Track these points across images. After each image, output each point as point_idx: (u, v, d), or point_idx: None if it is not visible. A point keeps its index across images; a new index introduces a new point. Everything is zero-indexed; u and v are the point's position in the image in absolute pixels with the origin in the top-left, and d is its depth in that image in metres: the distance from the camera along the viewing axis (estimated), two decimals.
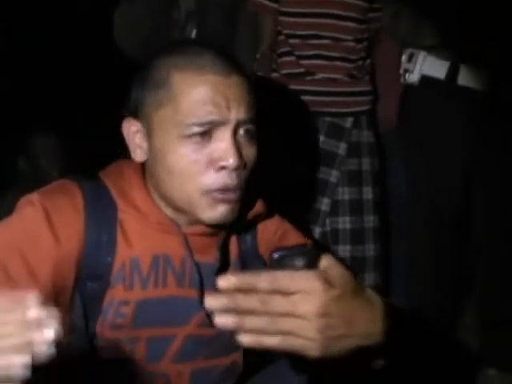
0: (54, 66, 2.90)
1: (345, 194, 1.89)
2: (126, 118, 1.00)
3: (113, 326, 0.97)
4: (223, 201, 0.94)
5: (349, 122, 1.91)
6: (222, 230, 1.02)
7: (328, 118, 1.88)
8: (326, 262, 0.75)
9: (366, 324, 0.76)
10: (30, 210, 0.94)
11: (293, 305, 0.71)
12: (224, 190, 0.93)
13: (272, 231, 1.11)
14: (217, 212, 0.95)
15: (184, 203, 0.96)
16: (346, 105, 1.90)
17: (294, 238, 1.13)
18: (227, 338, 1.04)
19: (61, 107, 2.85)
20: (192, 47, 0.98)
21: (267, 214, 1.10)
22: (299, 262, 0.75)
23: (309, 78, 1.89)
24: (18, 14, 2.81)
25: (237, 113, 0.93)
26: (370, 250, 1.90)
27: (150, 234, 0.98)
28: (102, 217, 0.96)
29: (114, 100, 1.14)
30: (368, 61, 1.98)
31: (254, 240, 1.10)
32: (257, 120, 0.97)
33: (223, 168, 0.93)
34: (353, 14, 1.88)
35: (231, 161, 0.92)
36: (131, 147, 1.00)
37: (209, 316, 0.98)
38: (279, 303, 0.70)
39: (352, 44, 1.89)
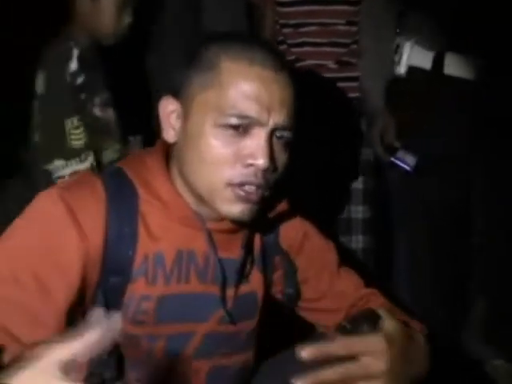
0: None
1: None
2: (164, 97, 0.97)
3: (133, 321, 0.95)
4: (244, 198, 0.91)
5: None
6: (245, 227, 1.01)
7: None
8: (385, 321, 0.86)
9: (419, 365, 0.91)
10: (51, 206, 0.90)
11: (366, 368, 0.81)
12: (247, 186, 0.91)
13: (295, 230, 1.11)
14: (236, 208, 0.92)
15: (206, 192, 0.93)
16: (336, 91, 1.87)
17: (317, 238, 1.14)
18: (245, 335, 1.05)
19: None
20: (243, 38, 0.97)
21: (290, 213, 1.09)
22: (364, 327, 0.87)
23: (298, 65, 1.87)
24: None
25: (277, 116, 0.90)
26: (359, 241, 1.87)
27: (174, 228, 0.96)
28: (123, 208, 0.93)
29: None
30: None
31: (276, 237, 1.10)
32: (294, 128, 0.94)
33: (251, 165, 0.90)
34: None
35: (261, 161, 0.89)
36: (165, 126, 0.97)
37: (228, 312, 1.00)
38: (355, 369, 0.81)
39: (344, 28, 1.86)
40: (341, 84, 1.90)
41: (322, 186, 1.82)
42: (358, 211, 1.88)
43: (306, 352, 0.76)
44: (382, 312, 0.89)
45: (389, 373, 0.82)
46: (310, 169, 1.78)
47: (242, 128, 0.90)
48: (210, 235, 0.97)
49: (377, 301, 1.13)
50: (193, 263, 0.98)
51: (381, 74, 1.91)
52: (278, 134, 0.92)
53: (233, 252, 1.01)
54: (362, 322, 0.88)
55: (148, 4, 1.93)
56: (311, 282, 1.13)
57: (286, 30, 1.89)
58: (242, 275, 1.03)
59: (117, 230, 0.92)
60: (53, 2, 1.79)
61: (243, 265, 1.03)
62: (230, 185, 0.91)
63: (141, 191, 0.95)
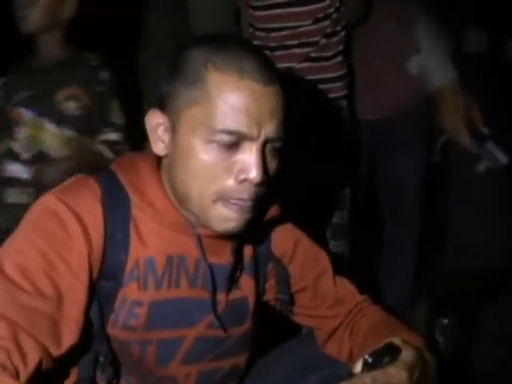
0: None
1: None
2: (151, 109, 0.95)
3: (125, 327, 0.95)
4: (235, 212, 0.91)
5: None
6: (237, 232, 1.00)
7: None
8: (403, 352, 0.94)
9: (433, 375, 1.00)
10: (54, 208, 0.89)
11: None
12: (240, 201, 0.90)
13: (287, 237, 1.12)
14: (228, 224, 0.92)
15: (197, 208, 0.93)
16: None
17: (309, 246, 1.14)
18: (235, 339, 1.06)
19: None
20: (231, 45, 0.91)
21: (282, 220, 1.09)
22: (386, 359, 0.92)
23: None
24: None
25: (268, 129, 0.89)
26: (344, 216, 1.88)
27: (165, 234, 0.96)
28: (117, 212, 0.93)
29: None
30: (341, 33, 1.86)
31: (268, 241, 1.10)
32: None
33: (245, 180, 0.89)
34: None
35: (255, 175, 0.88)
36: (152, 139, 0.96)
37: (218, 317, 1.00)
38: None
39: (312, 27, 1.81)
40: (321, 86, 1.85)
41: (309, 191, 1.81)
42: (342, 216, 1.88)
43: None
44: (399, 343, 0.96)
45: None
46: (299, 175, 1.74)
47: (233, 143, 0.88)
48: (200, 241, 0.97)
49: (369, 307, 1.14)
50: (183, 268, 0.98)
51: (441, 48, 1.85)
52: (269, 145, 0.90)
53: (223, 257, 1.01)
54: (383, 354, 0.93)
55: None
56: (308, 290, 1.13)
57: (259, 34, 1.86)
58: (232, 281, 1.03)
59: (112, 235, 0.92)
60: None
61: (233, 270, 1.03)
62: (221, 200, 0.90)
63: (133, 197, 0.94)
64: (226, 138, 0.87)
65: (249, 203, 0.91)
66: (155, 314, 0.96)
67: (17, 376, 0.77)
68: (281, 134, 0.91)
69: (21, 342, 0.79)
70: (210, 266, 0.99)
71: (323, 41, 1.82)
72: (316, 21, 1.80)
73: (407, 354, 0.93)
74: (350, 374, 0.92)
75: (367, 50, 2.08)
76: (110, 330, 0.95)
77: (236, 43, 0.93)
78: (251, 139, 0.88)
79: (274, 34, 1.82)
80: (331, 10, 1.82)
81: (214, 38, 0.93)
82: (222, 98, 0.87)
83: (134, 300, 0.95)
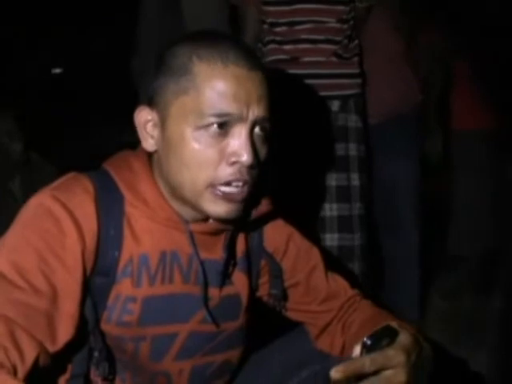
0: None
1: (332, 180, 1.84)
2: (139, 107, 0.97)
3: (119, 323, 0.96)
4: (230, 196, 0.92)
5: (335, 105, 1.87)
6: (228, 228, 1.01)
7: (317, 101, 1.83)
8: (401, 335, 0.93)
9: (430, 362, 0.99)
10: (48, 205, 0.89)
11: (388, 381, 0.88)
12: (234, 184, 0.92)
13: (279, 233, 1.12)
14: (222, 208, 0.93)
15: (191, 196, 0.94)
16: (332, 87, 1.86)
17: (300, 242, 1.15)
18: (228, 335, 1.06)
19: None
20: (215, 38, 0.95)
21: (274, 216, 1.10)
22: (385, 341, 0.92)
23: (294, 62, 1.86)
24: None
25: (256, 110, 0.91)
26: (357, 238, 1.86)
27: (158, 230, 0.97)
28: (110, 209, 0.94)
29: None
30: (355, 41, 1.94)
31: (260, 237, 1.10)
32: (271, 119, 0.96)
33: (236, 163, 0.91)
34: None
35: (246, 157, 0.90)
36: (142, 136, 0.97)
37: (210, 313, 1.00)
38: (379, 383, 0.88)
39: (337, 25, 1.87)
40: (346, 81, 1.89)
41: (299, 183, 1.81)
42: (356, 208, 1.87)
43: (338, 373, 0.84)
44: (397, 326, 0.96)
45: (409, 381, 0.90)
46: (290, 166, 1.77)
47: (223, 127, 0.90)
48: (192, 237, 0.98)
49: (361, 301, 1.14)
50: (176, 264, 0.99)
51: None
52: (258, 127, 0.93)
53: (215, 253, 1.02)
54: (381, 337, 0.93)
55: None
56: (301, 285, 1.13)
57: (277, 29, 1.87)
58: (224, 276, 1.04)
59: (105, 231, 0.93)
60: None
61: (226, 266, 1.03)
62: (215, 185, 0.91)
63: (126, 194, 0.95)
64: (217, 121, 0.90)
65: (243, 185, 0.92)
66: (148, 309, 0.96)
67: (15, 373, 0.77)
68: (269, 114, 0.93)
69: (17, 339, 0.79)
70: (203, 262, 0.99)
71: (345, 41, 1.89)
72: (339, 21, 1.86)
73: (404, 337, 0.93)
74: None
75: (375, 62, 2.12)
76: (104, 326, 0.95)
77: (220, 36, 0.97)
78: (241, 120, 0.90)
79: (298, 27, 1.85)
80: (350, 16, 1.90)
81: (199, 34, 0.98)
82: (210, 85, 0.90)
83: (127, 296, 0.95)
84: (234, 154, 0.91)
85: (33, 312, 0.82)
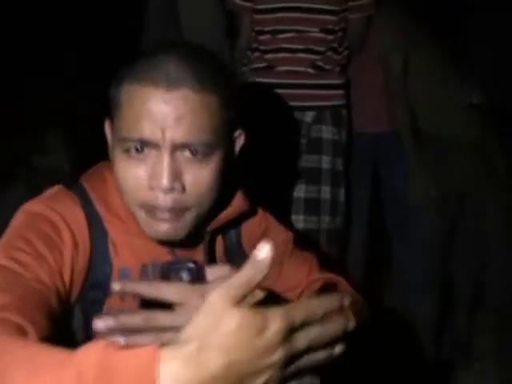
0: None
1: (301, 191, 1.80)
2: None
3: None
4: (159, 219, 0.90)
5: (309, 116, 1.83)
6: (205, 233, 0.99)
7: (289, 112, 1.81)
8: (212, 277, 0.80)
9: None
10: (42, 211, 0.90)
11: (172, 319, 0.74)
12: (158, 210, 0.89)
13: (255, 224, 1.09)
14: (157, 231, 0.91)
15: (133, 213, 0.93)
16: (307, 98, 1.83)
17: (275, 232, 1.10)
18: None
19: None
20: (155, 53, 0.89)
21: (251, 211, 1.07)
22: (185, 275, 0.81)
23: (271, 71, 1.86)
24: None
25: (173, 134, 0.85)
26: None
27: (136, 243, 0.95)
28: (95, 225, 0.93)
29: None
30: (344, 53, 1.91)
31: (238, 235, 1.08)
32: (216, 141, 0.89)
33: (156, 187, 0.88)
34: (319, 6, 1.82)
35: (162, 181, 0.86)
36: (108, 146, 0.97)
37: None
38: (161, 318, 0.74)
39: (319, 35, 1.84)
40: (322, 92, 1.85)
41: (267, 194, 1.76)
42: (324, 221, 1.81)
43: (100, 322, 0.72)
44: (215, 270, 0.82)
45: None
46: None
47: (142, 150, 0.87)
48: (171, 247, 0.97)
49: (323, 282, 1.06)
50: (158, 274, 0.96)
51: None
52: (184, 151, 0.87)
53: (195, 258, 0.98)
54: (182, 269, 0.83)
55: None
56: (270, 280, 1.08)
57: (261, 37, 1.88)
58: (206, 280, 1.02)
59: (95, 245, 0.92)
60: None
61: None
62: (146, 209, 0.90)
63: (101, 211, 0.95)
64: (132, 146, 0.87)
65: (167, 211, 0.89)
66: None
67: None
68: (196, 140, 0.87)
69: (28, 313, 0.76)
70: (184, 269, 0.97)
71: (329, 53, 1.85)
72: (323, 30, 1.83)
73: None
74: None
75: (366, 64, 2.08)
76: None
77: (166, 49, 0.90)
78: (156, 145, 0.86)
79: (280, 36, 1.84)
80: (337, 27, 1.86)
81: (147, 51, 0.92)
82: (128, 108, 0.87)
83: (118, 309, 0.93)
84: (153, 178, 0.87)
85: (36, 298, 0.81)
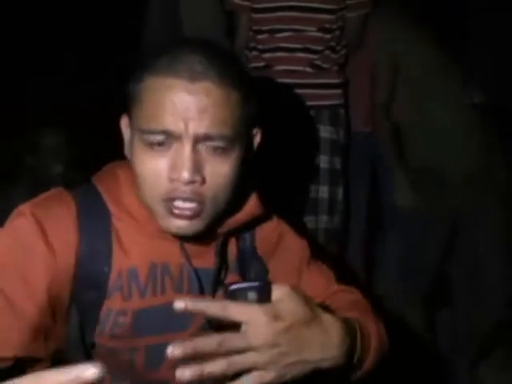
0: None
1: (299, 191, 1.81)
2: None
3: (112, 336, 0.95)
4: (177, 214, 0.90)
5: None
6: (218, 234, 0.99)
7: (285, 111, 1.80)
8: (277, 295, 0.78)
9: (320, 350, 0.80)
10: (22, 221, 0.91)
11: (245, 340, 0.74)
12: (176, 201, 0.89)
13: (270, 229, 1.08)
14: (171, 224, 0.91)
15: (150, 208, 0.92)
16: (304, 97, 1.83)
17: (291, 238, 1.10)
18: None
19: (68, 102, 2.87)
20: (177, 48, 0.90)
21: (265, 214, 1.06)
22: (252, 295, 0.78)
23: (269, 70, 1.86)
24: None
25: (196, 126, 0.86)
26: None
27: (147, 242, 0.96)
28: (96, 225, 0.93)
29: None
30: (342, 52, 1.91)
31: (252, 240, 1.06)
32: (236, 136, 0.89)
33: (177, 179, 0.88)
34: (317, 5, 1.83)
35: (183, 174, 0.86)
36: (124, 143, 0.97)
37: (208, 320, 0.96)
38: (235, 340, 0.74)
39: (317, 34, 1.84)
40: (320, 91, 1.85)
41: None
42: (322, 221, 1.82)
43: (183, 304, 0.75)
44: (280, 290, 0.80)
45: (272, 348, 0.75)
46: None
47: (164, 143, 0.87)
48: (182, 245, 0.96)
49: (346, 297, 1.07)
50: (168, 275, 0.97)
51: None
52: (205, 144, 0.87)
53: (207, 261, 0.99)
54: (249, 289, 0.80)
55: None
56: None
57: (259, 36, 1.89)
58: (217, 283, 1.01)
59: (90, 248, 0.92)
60: None
61: (218, 272, 1.00)
62: (164, 200, 0.89)
63: (112, 208, 0.94)
64: (153, 139, 0.87)
65: (186, 202, 0.89)
66: (140, 321, 0.95)
67: None
68: (218, 132, 0.87)
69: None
70: (195, 271, 0.97)
71: (327, 52, 1.85)
72: (320, 29, 1.84)
73: (283, 299, 0.78)
74: None
75: (363, 63, 2.08)
76: (97, 339, 0.94)
77: (189, 45, 0.91)
78: (178, 137, 0.86)
79: (277, 35, 1.85)
80: (335, 26, 1.87)
81: (173, 41, 0.95)
82: (150, 99, 0.87)
83: (118, 310, 0.94)
84: (174, 169, 0.87)
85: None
